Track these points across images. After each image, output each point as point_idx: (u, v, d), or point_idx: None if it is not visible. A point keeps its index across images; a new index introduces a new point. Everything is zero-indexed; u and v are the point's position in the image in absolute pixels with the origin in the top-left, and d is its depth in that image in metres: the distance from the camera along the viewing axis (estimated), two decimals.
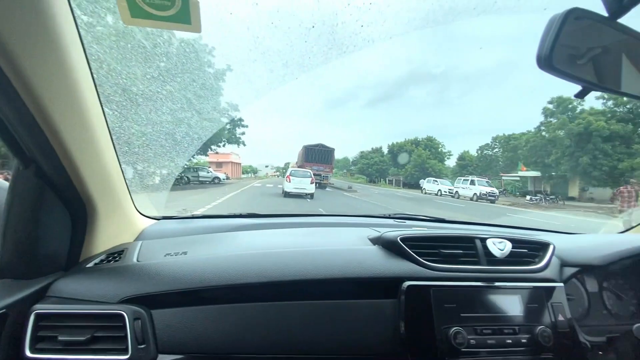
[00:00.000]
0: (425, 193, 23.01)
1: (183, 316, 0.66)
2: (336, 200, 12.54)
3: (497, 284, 0.71)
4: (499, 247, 0.76)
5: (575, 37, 0.45)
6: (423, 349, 0.64)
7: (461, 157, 38.70)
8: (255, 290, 0.68)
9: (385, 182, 38.78)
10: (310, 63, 1.34)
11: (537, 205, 16.46)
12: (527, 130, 34.47)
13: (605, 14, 0.45)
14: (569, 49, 0.45)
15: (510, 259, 0.77)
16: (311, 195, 12.11)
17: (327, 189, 18.45)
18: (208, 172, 17.27)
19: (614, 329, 0.76)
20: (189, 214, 1.33)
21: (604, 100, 19.42)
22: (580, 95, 0.50)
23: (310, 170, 13.76)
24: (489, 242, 0.77)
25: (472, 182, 19.67)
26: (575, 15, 0.44)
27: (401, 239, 0.75)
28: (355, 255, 0.74)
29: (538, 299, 0.72)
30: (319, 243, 0.85)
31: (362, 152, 48.76)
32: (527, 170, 23.14)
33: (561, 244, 0.85)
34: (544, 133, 22.28)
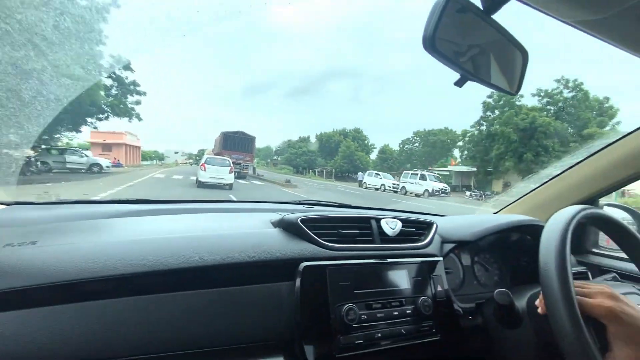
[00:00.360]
0: (366, 187, 21.68)
1: (19, 322, 0.53)
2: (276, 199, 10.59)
3: (389, 260, 0.76)
4: (391, 227, 0.81)
5: (454, 26, 0.47)
6: (317, 329, 0.64)
7: (382, 151, 39.62)
8: (126, 284, 0.59)
9: (315, 173, 37.13)
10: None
11: (480, 201, 16.75)
12: (445, 127, 37.41)
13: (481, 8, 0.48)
14: (450, 35, 0.47)
15: (401, 237, 0.82)
16: (230, 186, 11.32)
17: (256, 182, 16.61)
18: (82, 157, 12.69)
19: (481, 296, 0.83)
20: (53, 199, 1.09)
21: (540, 98, 20.42)
22: (459, 83, 0.52)
23: (228, 159, 12.98)
24: (383, 222, 0.82)
25: (423, 177, 18.68)
26: (454, 5, 0.46)
27: (301, 220, 0.75)
28: (253, 239, 0.72)
29: (422, 273, 0.78)
30: (217, 228, 0.81)
31: (289, 140, 46.37)
32: (456, 165, 23.58)
33: (443, 224, 0.94)
34: (483, 128, 22.29)
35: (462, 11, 0.49)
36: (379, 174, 22.66)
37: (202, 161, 11.98)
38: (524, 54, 0.57)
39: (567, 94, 19.84)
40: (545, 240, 0.59)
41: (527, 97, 20.70)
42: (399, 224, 0.83)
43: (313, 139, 44.17)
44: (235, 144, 18.91)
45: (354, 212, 0.89)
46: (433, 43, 0.45)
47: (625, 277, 0.90)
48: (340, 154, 36.18)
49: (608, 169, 1.00)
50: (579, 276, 1.00)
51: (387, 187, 20.14)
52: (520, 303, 0.70)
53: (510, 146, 18.84)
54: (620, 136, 0.96)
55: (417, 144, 39.32)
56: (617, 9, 0.48)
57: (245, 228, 0.83)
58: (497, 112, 21.76)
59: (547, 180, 1.19)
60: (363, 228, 0.81)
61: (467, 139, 23.82)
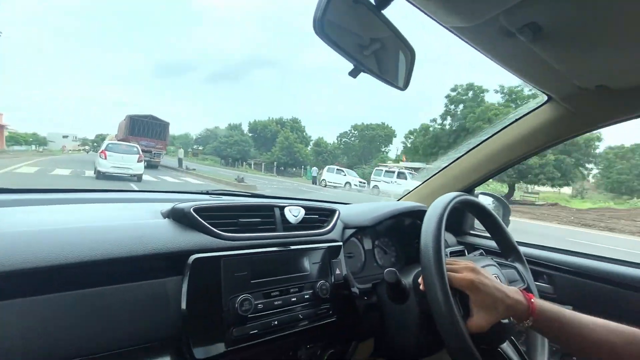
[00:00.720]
0: (325, 185, 19.97)
1: None
2: None
3: (291, 248, 0.77)
4: (294, 214, 0.82)
5: (347, 15, 0.49)
6: (207, 324, 0.62)
7: (317, 144, 38.23)
8: None
9: (250, 166, 33.50)
10: None
11: None
12: (382, 122, 37.24)
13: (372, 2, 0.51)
14: (343, 24, 0.50)
15: (304, 224, 0.83)
16: (138, 177, 10.13)
17: (188, 178, 14.18)
18: None
19: (379, 277, 0.87)
20: None
21: (502, 95, 21.04)
22: (353, 73, 0.53)
23: (137, 145, 11.62)
24: (286, 210, 0.82)
25: (402, 175, 16.67)
26: None
27: (195, 210, 0.70)
28: (136, 231, 0.65)
29: (322, 258, 0.81)
30: (93, 220, 0.72)
31: (215, 128, 41.50)
32: (407, 161, 23.20)
33: (346, 211, 0.99)
34: (447, 122, 22.47)
35: (356, 1, 0.50)
36: (341, 170, 20.95)
37: (102, 147, 10.24)
38: (412, 53, 0.61)
39: (527, 92, 20.02)
40: (425, 224, 0.67)
41: (491, 93, 21.63)
42: (302, 212, 0.83)
43: (245, 128, 40.39)
44: (145, 129, 16.98)
45: (259, 201, 0.87)
46: (322, 27, 0.45)
47: (489, 252, 1.08)
48: (279, 145, 33.68)
49: (481, 162, 1.18)
50: (457, 253, 1.16)
51: (353, 186, 18.58)
52: (408, 280, 0.78)
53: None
54: (489, 135, 1.14)
55: (354, 138, 38.46)
56: (482, 19, 0.55)
57: (131, 219, 0.75)
58: (461, 106, 21.91)
59: (437, 171, 1.35)
60: (266, 216, 0.80)
61: (419, 133, 23.83)
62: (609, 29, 0.58)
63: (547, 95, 0.92)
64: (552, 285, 1.08)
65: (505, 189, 19.56)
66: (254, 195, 1.23)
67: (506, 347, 0.71)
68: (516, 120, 1.05)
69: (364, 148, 37.11)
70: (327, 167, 22.87)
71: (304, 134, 39.04)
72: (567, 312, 0.63)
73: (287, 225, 0.81)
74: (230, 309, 0.64)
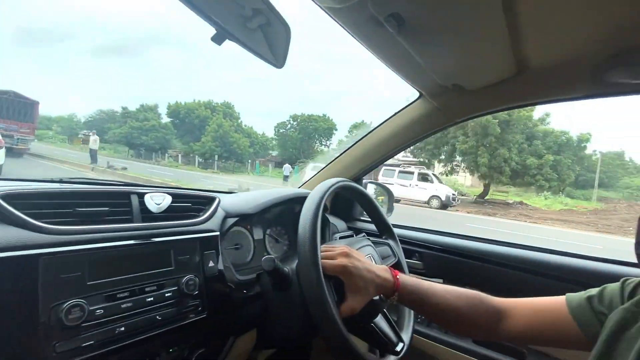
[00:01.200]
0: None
1: None
2: None
3: (153, 240, 0.68)
4: (156, 202, 0.73)
5: None
6: (17, 342, 0.51)
7: (247, 134, 33.26)
8: None
9: (177, 159, 27.29)
10: None
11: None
12: (324, 114, 33.49)
13: None
14: None
15: (172, 214, 0.74)
16: None
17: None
18: None
19: None
20: None
21: None
22: (216, 39, 0.49)
23: None
24: (147, 197, 0.72)
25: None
26: None
27: (3, 197, 0.57)
28: None
29: (192, 250, 0.72)
30: None
31: (123, 109, 31.47)
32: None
33: (229, 199, 0.92)
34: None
35: None
36: (408, 173, 13.68)
37: None
38: (287, 29, 0.59)
39: None
40: (303, 212, 0.66)
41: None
42: (168, 199, 0.75)
43: (164, 111, 31.76)
44: (4, 108, 13.72)
45: (114, 188, 0.73)
46: None
47: (372, 234, 1.17)
48: (210, 134, 27.61)
49: (367, 152, 1.27)
50: (346, 237, 1.22)
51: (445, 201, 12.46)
52: (292, 267, 0.77)
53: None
54: (374, 127, 1.22)
55: (293, 129, 33.82)
56: (351, 0, 0.55)
57: None
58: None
59: (331, 160, 1.39)
60: (118, 205, 0.69)
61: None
62: (460, 31, 0.66)
63: (418, 91, 1.03)
64: (422, 262, 1.24)
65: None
66: (121, 184, 1.05)
67: (379, 319, 0.76)
68: (396, 114, 1.15)
69: (301, 141, 33.37)
70: (383, 168, 14.32)
71: (239, 121, 33.05)
72: (425, 284, 0.71)
73: (148, 215, 0.71)
74: (52, 319, 0.53)
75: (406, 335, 0.80)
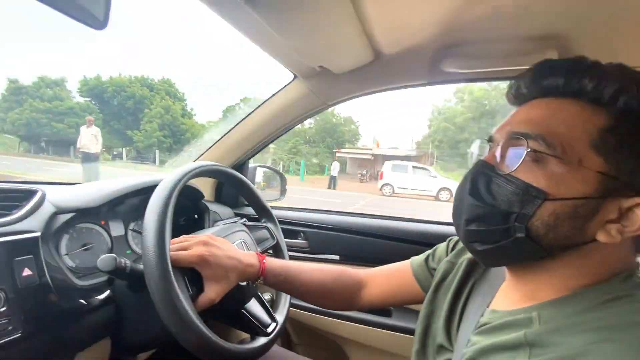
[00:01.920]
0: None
1: None
2: None
3: None
4: None
5: None
6: None
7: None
8: None
9: (120, 157, 19.77)
10: None
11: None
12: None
13: None
14: None
15: None
16: None
17: None
18: None
19: None
20: None
21: None
22: None
23: None
24: None
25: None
26: None
27: None
28: None
29: None
30: None
31: (11, 82, 21.02)
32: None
33: (62, 191, 0.78)
34: None
35: None
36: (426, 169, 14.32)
37: None
38: None
39: None
40: (149, 206, 0.59)
41: None
42: None
43: (74, 87, 22.15)
44: None
45: None
46: None
47: (252, 219, 1.15)
48: (156, 120, 20.59)
49: (248, 136, 1.22)
50: (229, 223, 1.17)
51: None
52: None
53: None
54: (252, 110, 1.18)
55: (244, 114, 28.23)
56: None
57: None
58: None
59: (211, 145, 1.30)
60: None
61: None
62: (311, 11, 0.66)
63: (292, 73, 1.02)
64: (307, 240, 1.28)
65: None
66: None
67: (252, 304, 0.75)
68: (274, 95, 1.13)
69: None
70: (392, 163, 14.79)
71: (185, 103, 24.62)
72: (293, 265, 0.72)
73: None
74: None
75: (280, 315, 0.81)
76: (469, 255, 0.59)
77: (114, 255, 0.58)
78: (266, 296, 1.10)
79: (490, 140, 0.46)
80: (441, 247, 0.69)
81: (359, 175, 20.60)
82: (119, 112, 23.52)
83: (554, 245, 0.38)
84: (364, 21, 0.72)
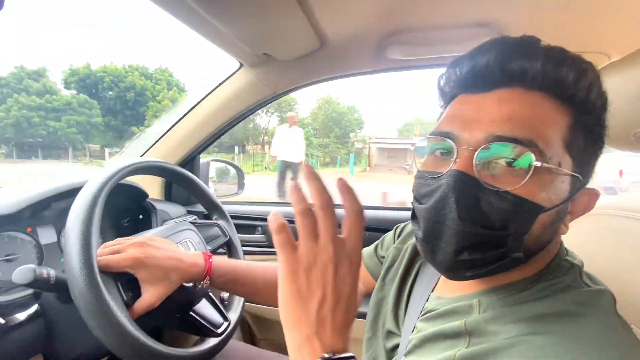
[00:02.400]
0: None
1: None
2: None
3: None
4: None
5: None
6: None
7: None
8: None
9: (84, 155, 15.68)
10: None
11: None
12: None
13: None
14: None
15: None
16: None
17: None
18: None
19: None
20: None
21: None
22: None
23: None
24: None
25: None
26: None
27: None
28: None
29: None
30: None
31: None
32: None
33: None
34: None
35: None
36: None
37: None
38: None
39: None
40: (73, 204, 0.54)
41: None
42: None
43: (58, 79, 17.79)
44: None
45: None
46: None
47: (205, 216, 1.10)
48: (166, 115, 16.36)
49: (195, 130, 1.16)
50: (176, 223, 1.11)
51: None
52: None
53: None
54: (197, 102, 1.11)
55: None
56: None
57: None
58: None
59: (155, 141, 1.21)
60: None
61: None
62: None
63: (238, 61, 0.98)
64: (265, 235, 1.26)
65: None
66: None
67: (202, 305, 0.72)
68: (219, 85, 1.07)
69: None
70: None
71: (186, 93, 21.13)
72: (243, 263, 0.70)
73: None
74: None
75: (234, 313, 0.78)
76: (414, 239, 0.60)
77: (32, 266, 0.52)
78: (224, 294, 1.07)
79: (449, 137, 0.37)
80: (389, 235, 0.70)
81: (405, 167, 19.41)
82: (114, 106, 20.06)
83: (533, 252, 0.37)
84: (306, 7, 0.70)
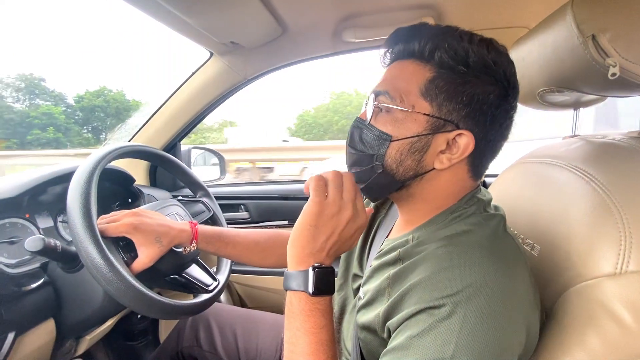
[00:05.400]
0: None
1: None
2: None
3: None
4: None
5: None
6: None
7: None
8: None
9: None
10: None
11: None
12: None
13: None
14: None
15: None
16: None
17: None
18: None
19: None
20: None
21: None
22: None
23: None
24: None
25: None
26: None
27: None
28: None
29: None
30: None
31: None
32: None
33: None
34: None
35: None
36: None
37: None
38: None
39: None
40: (71, 182, 0.62)
41: None
42: None
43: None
44: None
45: None
46: None
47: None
48: None
49: (174, 117, 1.23)
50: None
51: None
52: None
53: None
54: (174, 91, 1.18)
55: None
56: None
57: None
58: None
59: (137, 130, 1.28)
60: None
61: None
62: None
63: (207, 50, 1.05)
64: (248, 212, 1.36)
65: None
66: None
67: (193, 269, 0.82)
68: (192, 75, 1.14)
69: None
70: None
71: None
72: (227, 229, 0.80)
73: None
74: None
75: (222, 275, 0.89)
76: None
77: (42, 236, 0.61)
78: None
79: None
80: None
81: None
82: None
83: (405, 176, 0.48)
84: None
